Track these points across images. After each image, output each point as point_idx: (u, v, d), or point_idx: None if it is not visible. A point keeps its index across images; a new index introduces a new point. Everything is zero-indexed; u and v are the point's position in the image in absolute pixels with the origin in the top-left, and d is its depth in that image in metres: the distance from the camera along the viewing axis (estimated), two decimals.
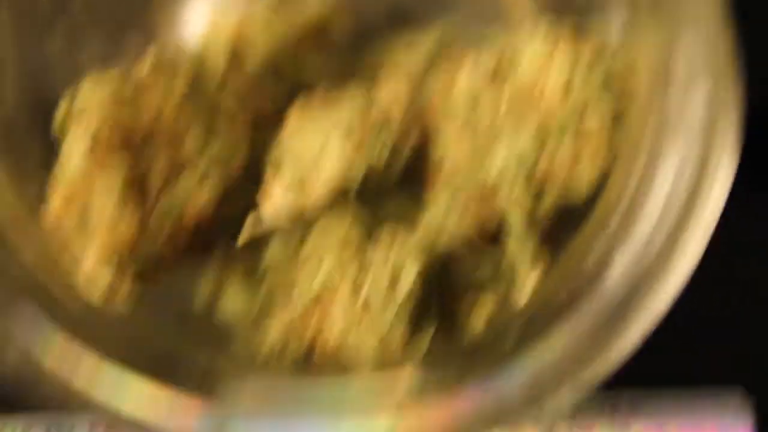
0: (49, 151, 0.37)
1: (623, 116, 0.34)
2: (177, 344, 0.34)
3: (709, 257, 0.33)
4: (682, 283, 0.31)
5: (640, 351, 0.30)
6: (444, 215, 0.37)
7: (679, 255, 0.31)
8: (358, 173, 0.36)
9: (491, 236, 0.37)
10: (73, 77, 0.37)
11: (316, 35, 0.41)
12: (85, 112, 0.36)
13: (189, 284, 0.39)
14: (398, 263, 0.34)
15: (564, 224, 0.36)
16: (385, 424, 0.31)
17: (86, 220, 0.36)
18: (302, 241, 0.36)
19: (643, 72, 0.32)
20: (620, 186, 0.32)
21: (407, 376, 0.32)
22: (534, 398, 0.30)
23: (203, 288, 0.39)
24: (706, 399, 0.38)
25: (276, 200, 0.36)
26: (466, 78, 0.36)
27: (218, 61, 0.41)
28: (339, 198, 0.36)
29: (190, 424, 0.31)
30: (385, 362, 0.34)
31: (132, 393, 0.32)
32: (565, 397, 0.30)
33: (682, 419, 0.37)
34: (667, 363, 0.37)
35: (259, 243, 0.38)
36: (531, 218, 0.36)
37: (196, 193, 0.36)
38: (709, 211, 0.31)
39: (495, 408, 0.31)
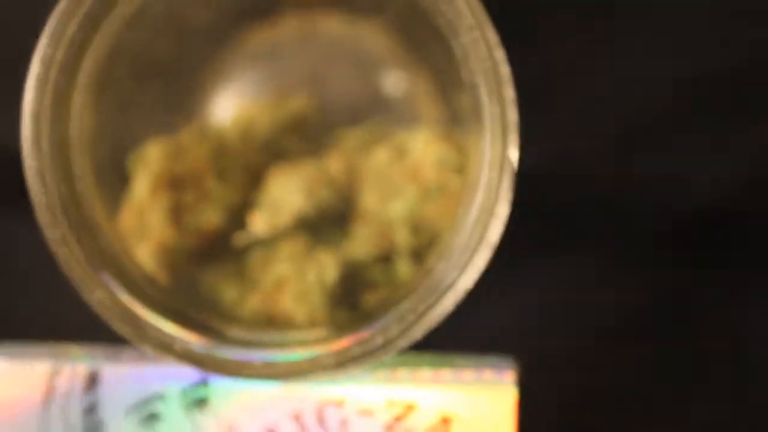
0: (123, 183, 0.56)
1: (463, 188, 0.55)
2: (190, 306, 0.55)
3: None
4: (479, 273, 0.44)
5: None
6: (360, 243, 0.56)
7: (475, 261, 0.47)
8: (310, 212, 0.57)
9: (387, 257, 0.57)
10: (139, 142, 0.56)
11: (296, 124, 0.59)
12: (148, 161, 0.55)
13: (204, 278, 0.57)
14: (325, 269, 0.55)
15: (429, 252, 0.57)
16: (312, 351, 0.45)
17: (144, 229, 0.56)
18: (271, 252, 0.55)
19: (472, 165, 0.53)
20: (454, 227, 0.53)
21: (325, 330, 0.53)
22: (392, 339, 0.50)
23: (208, 279, 0.56)
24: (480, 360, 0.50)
25: (259, 223, 0.57)
26: (380, 156, 0.56)
27: (235, 136, 0.59)
28: (296, 227, 0.55)
29: (193, 347, 0.48)
30: (313, 323, 0.54)
31: (162, 331, 0.49)
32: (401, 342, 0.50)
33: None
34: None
35: (245, 253, 0.55)
36: (412, 248, 0.57)
37: (210, 217, 0.58)
38: (492, 238, 0.47)
39: (375, 341, 0.48)
